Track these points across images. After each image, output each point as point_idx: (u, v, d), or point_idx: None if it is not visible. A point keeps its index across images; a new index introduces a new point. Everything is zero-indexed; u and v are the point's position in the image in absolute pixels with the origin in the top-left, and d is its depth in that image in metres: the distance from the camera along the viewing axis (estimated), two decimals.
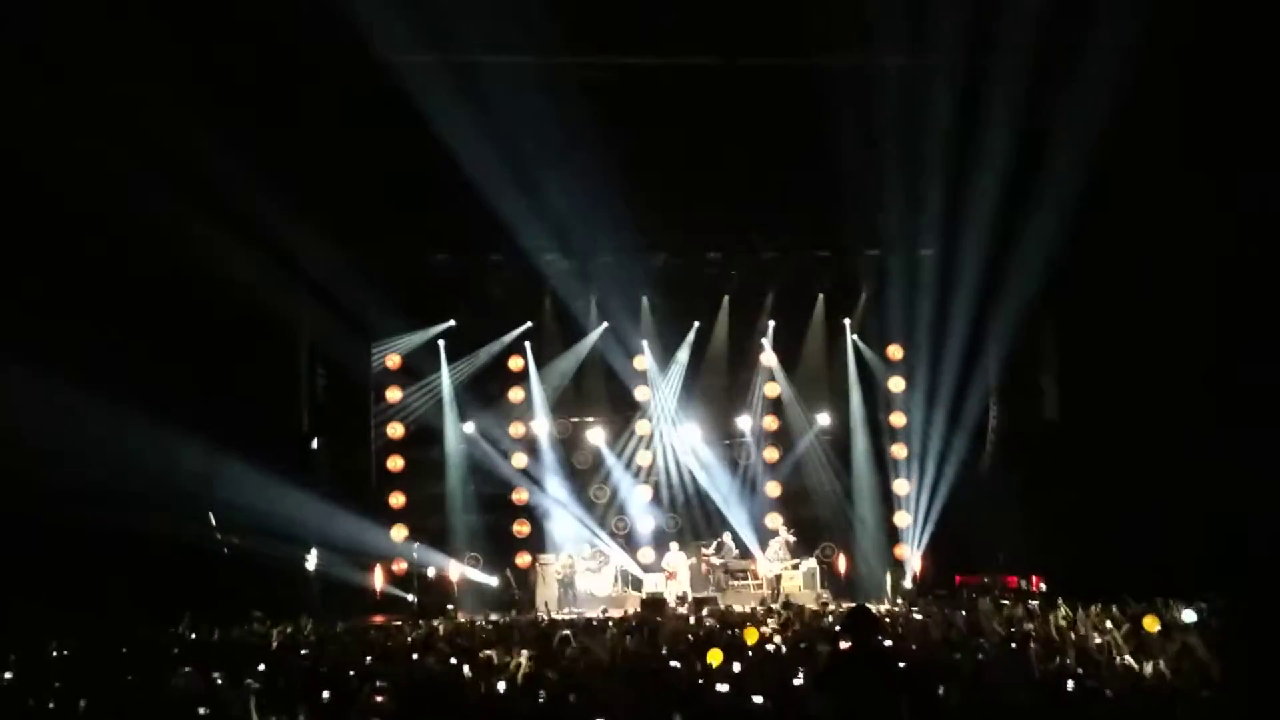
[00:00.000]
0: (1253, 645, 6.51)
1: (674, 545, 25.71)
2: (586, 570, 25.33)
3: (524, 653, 13.30)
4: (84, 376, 18.25)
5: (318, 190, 21.46)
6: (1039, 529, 22.76)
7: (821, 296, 27.51)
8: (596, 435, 27.57)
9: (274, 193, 20.01)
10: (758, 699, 10.49)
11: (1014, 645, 13.57)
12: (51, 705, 10.86)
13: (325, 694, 11.01)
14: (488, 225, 24.03)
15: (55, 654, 14.68)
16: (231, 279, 20.81)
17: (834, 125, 21.48)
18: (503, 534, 26.53)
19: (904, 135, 21.67)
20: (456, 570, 25.23)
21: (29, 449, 17.84)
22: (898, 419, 27.21)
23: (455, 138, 21.31)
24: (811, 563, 25.41)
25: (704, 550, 25.69)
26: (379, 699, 10.47)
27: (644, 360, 27.55)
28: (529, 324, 27.18)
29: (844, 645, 9.40)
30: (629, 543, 26.69)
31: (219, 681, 11.79)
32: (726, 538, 25.74)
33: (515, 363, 27.28)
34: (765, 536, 26.20)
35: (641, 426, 27.68)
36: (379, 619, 21.64)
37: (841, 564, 26.28)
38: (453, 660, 13.17)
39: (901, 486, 26.88)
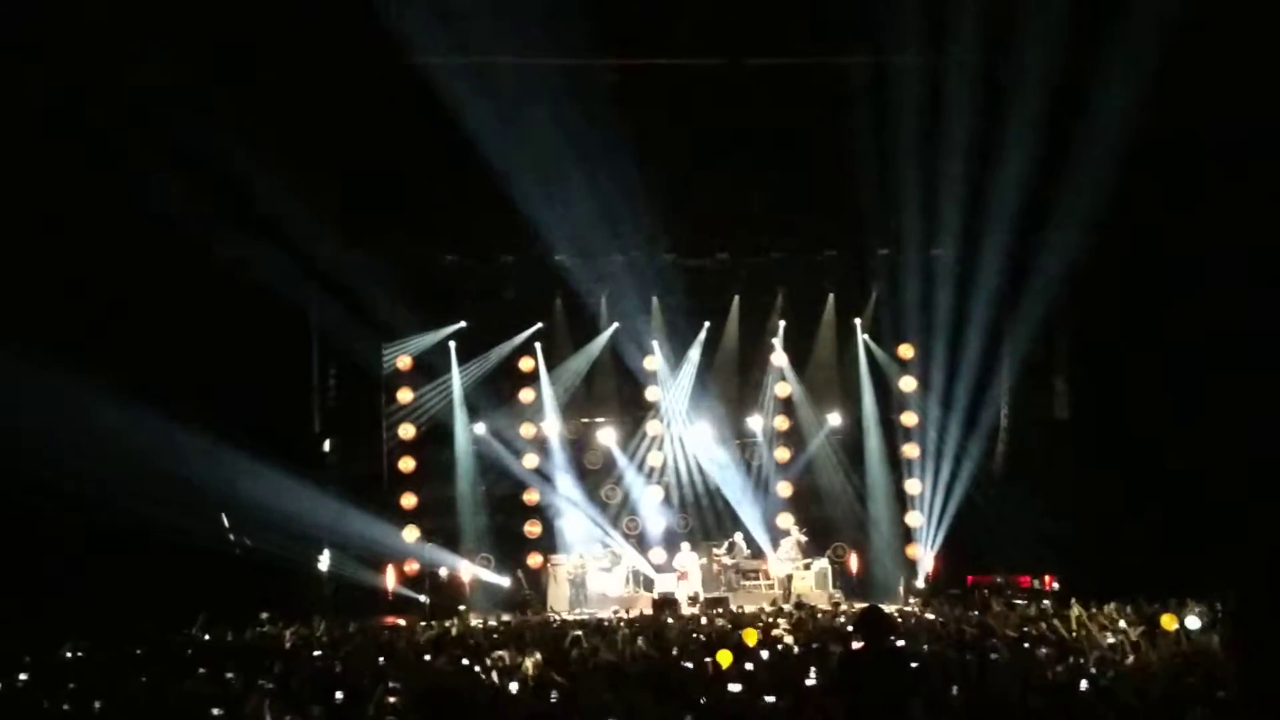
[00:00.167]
0: (1263, 643, 6.48)
1: (685, 545, 25.72)
2: (598, 571, 25.33)
3: (535, 653, 13.33)
4: (96, 377, 18.31)
5: (329, 190, 21.51)
6: (1051, 528, 22.72)
7: (832, 296, 27.49)
8: (607, 436, 27.57)
9: (285, 193, 20.05)
10: (770, 699, 10.49)
11: (1026, 646, 13.55)
12: (65, 707, 10.88)
13: (338, 695, 11.03)
14: (499, 226, 24.14)
15: (69, 655, 14.72)
16: (243, 279, 20.86)
17: (843, 125, 21.50)
18: (514, 535, 26.56)
19: (914, 134, 21.63)
20: (468, 571, 25.28)
21: (43, 450, 17.90)
22: (909, 418, 27.17)
23: (467, 139, 21.35)
24: (823, 563, 25.40)
25: (715, 550, 25.69)
26: (391, 700, 10.48)
27: (655, 360, 27.56)
28: (540, 324, 27.20)
29: (856, 645, 9.39)
30: (640, 543, 26.70)
31: (232, 682, 11.83)
32: (738, 538, 25.74)
33: (526, 363, 27.31)
34: (777, 536, 26.19)
35: (653, 427, 27.69)
36: (391, 620, 21.66)
37: (853, 564, 26.29)
38: (464, 661, 13.19)
39: (913, 486, 26.85)
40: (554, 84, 21.00)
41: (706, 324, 27.46)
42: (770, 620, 17.73)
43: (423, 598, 24.47)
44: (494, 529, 26.60)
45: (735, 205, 24.15)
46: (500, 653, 13.51)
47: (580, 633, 15.79)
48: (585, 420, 27.84)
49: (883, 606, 9.87)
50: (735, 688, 11.11)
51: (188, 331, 20.68)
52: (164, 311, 20.58)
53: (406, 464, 26.39)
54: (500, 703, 10.76)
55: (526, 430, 27.24)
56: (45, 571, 18.71)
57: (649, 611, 22.06)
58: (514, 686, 11.52)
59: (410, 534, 25.52)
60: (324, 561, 23.93)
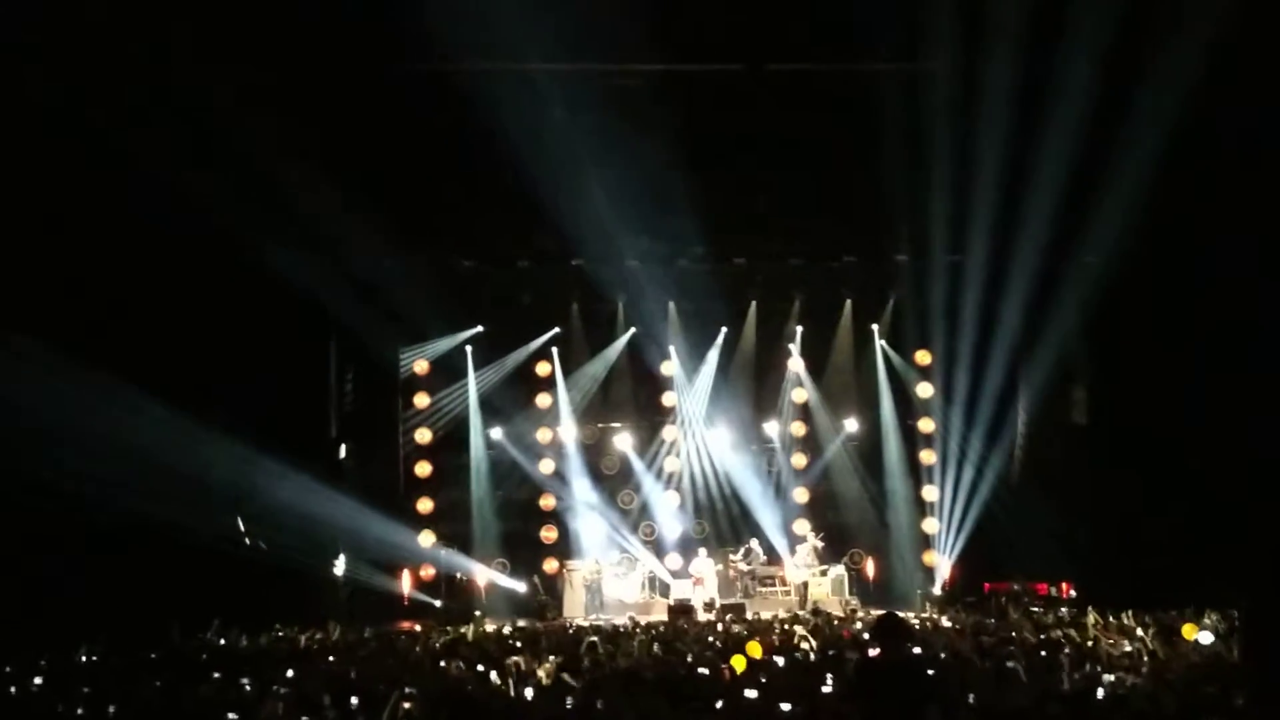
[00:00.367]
0: (1275, 648, 6.46)
1: (702, 551, 25.68)
2: (614, 576, 25.33)
3: (551, 659, 13.31)
4: (112, 377, 18.37)
5: (347, 196, 21.54)
6: (1069, 536, 22.64)
7: (849, 302, 27.44)
8: (624, 441, 27.57)
9: (303, 197, 20.09)
10: (785, 706, 10.44)
11: (1043, 653, 13.48)
12: (80, 711, 10.89)
13: (353, 700, 11.02)
14: (516, 231, 24.18)
15: (84, 659, 14.75)
16: (260, 282, 20.92)
17: (861, 131, 21.46)
18: (530, 540, 26.59)
19: (932, 140, 21.58)
20: (484, 576, 25.28)
21: (58, 452, 17.93)
22: (926, 425, 27.11)
23: (484, 144, 21.36)
24: (840, 569, 25.34)
25: (732, 556, 25.65)
26: (406, 705, 10.46)
27: (672, 366, 27.55)
28: (557, 329, 27.22)
29: (873, 652, 9.34)
30: (657, 549, 26.68)
31: (247, 688, 11.83)
32: (754, 544, 25.69)
33: (543, 368, 27.33)
34: (793, 542, 26.14)
35: (669, 432, 27.69)
36: (406, 625, 21.66)
37: (870, 570, 26.20)
38: (480, 667, 13.16)
39: (930, 493, 26.78)
40: (572, 89, 21.01)
41: (724, 329, 27.45)
42: (787, 628, 17.67)
43: (438, 603, 24.54)
44: (510, 534, 26.63)
45: (753, 210, 24.11)
46: (516, 658, 13.49)
47: (596, 638, 15.77)
48: (602, 425, 27.85)
49: (899, 613, 9.82)
50: (751, 694, 11.07)
51: (205, 336, 20.69)
52: (181, 316, 20.58)
53: (423, 469, 26.43)
54: (515, 708, 10.75)
55: (543, 435, 27.26)
56: (58, 575, 18.73)
57: (665, 617, 22.01)
58: (529, 692, 11.51)
59: (426, 539, 25.55)
60: (339, 566, 23.95)
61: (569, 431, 27.31)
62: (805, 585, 24.70)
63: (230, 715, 10.53)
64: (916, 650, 10.36)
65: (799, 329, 27.66)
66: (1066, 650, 13.76)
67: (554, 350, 27.31)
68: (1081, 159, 20.53)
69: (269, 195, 19.53)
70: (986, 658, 13.25)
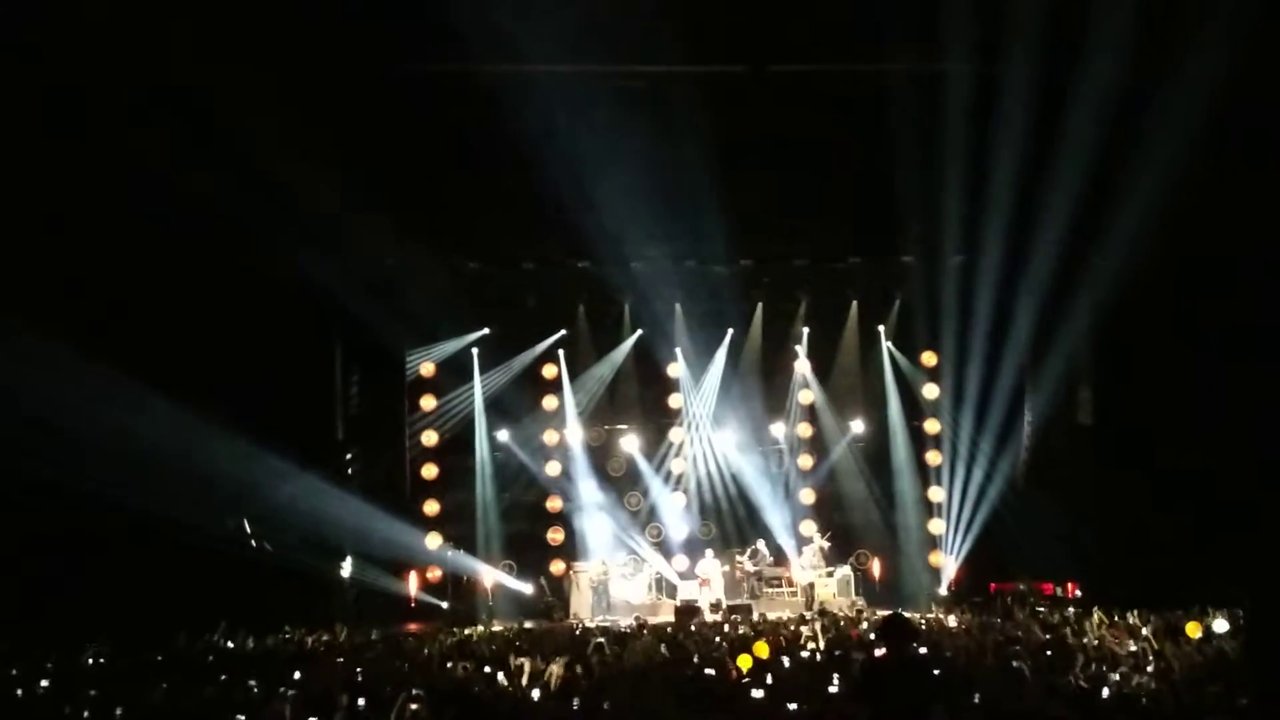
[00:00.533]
0: (1270, 647, 6.46)
1: (708, 552, 25.66)
2: (621, 577, 25.34)
3: (558, 660, 13.32)
4: (119, 377, 18.41)
5: (352, 197, 21.56)
6: (1075, 536, 22.64)
7: (855, 303, 27.45)
8: (631, 443, 27.57)
9: (307, 200, 20.11)
10: (792, 706, 10.46)
11: (1049, 653, 13.48)
12: (87, 713, 10.92)
13: (360, 701, 11.04)
14: (522, 233, 24.18)
15: (91, 662, 14.77)
16: (266, 284, 20.95)
17: (867, 132, 21.45)
18: (537, 541, 26.62)
19: (937, 141, 21.56)
20: (491, 577, 25.30)
21: (63, 453, 17.98)
22: (932, 426, 27.11)
23: (490, 147, 21.38)
24: (846, 570, 25.35)
25: (738, 557, 25.64)
26: (413, 706, 10.47)
27: (678, 367, 27.58)
28: (563, 332, 27.25)
29: (879, 652, 9.35)
30: (663, 550, 26.68)
31: (254, 689, 11.85)
32: (761, 545, 25.69)
33: (549, 370, 27.35)
34: (800, 543, 26.15)
35: (676, 434, 27.69)
36: (413, 626, 21.69)
37: (876, 571, 26.19)
38: (486, 668, 13.18)
39: (936, 493, 26.79)
40: (578, 90, 20.99)
41: (730, 331, 27.45)
42: (793, 629, 17.68)
43: (445, 604, 24.58)
44: (516, 536, 26.66)
45: (758, 212, 24.09)
46: (522, 659, 13.51)
47: (603, 639, 15.80)
48: (608, 427, 27.85)
49: (905, 614, 9.83)
50: (758, 694, 11.09)
51: (211, 337, 20.73)
52: (187, 317, 20.62)
53: (429, 471, 26.45)
54: (522, 709, 10.77)
55: (550, 437, 27.28)
56: (64, 576, 18.78)
57: (671, 618, 22.03)
58: (536, 693, 11.53)
59: (433, 540, 25.54)
60: (346, 568, 23.98)
61: (575, 433, 27.33)
62: (812, 586, 24.69)
63: (237, 717, 10.57)
64: (922, 650, 10.39)
65: (805, 330, 27.67)
66: (1072, 650, 13.77)
67: (560, 352, 27.33)
68: (1088, 159, 20.50)
69: (274, 196, 19.52)
70: (992, 657, 13.27)
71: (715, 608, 23.09)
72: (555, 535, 26.74)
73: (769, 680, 11.86)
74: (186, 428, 19.26)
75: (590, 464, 27.32)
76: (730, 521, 27.10)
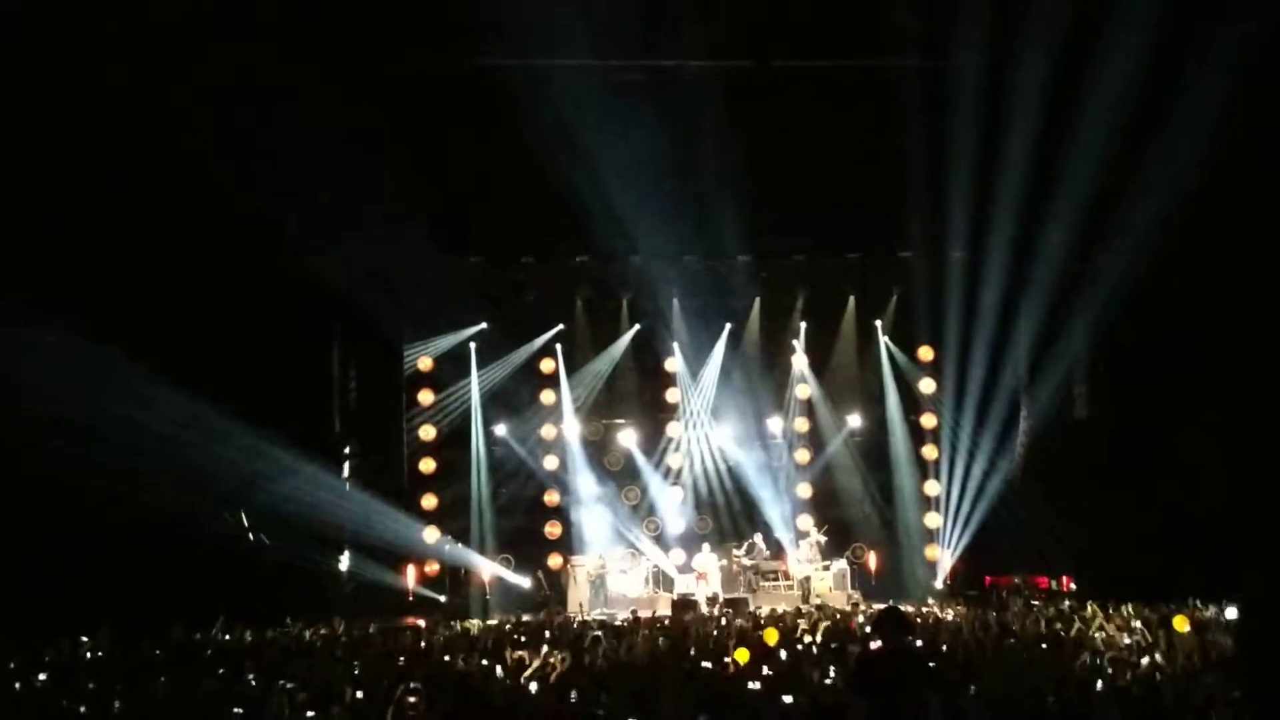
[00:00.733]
0: (1268, 641, 6.51)
1: (705, 546, 25.73)
2: (618, 571, 25.35)
3: (555, 654, 13.36)
4: (116, 372, 18.43)
5: (351, 191, 21.58)
6: (1069, 529, 22.70)
7: (852, 299, 27.48)
8: (628, 437, 27.60)
9: (305, 193, 20.12)
10: (788, 698, 10.51)
11: (1044, 646, 13.54)
12: (85, 707, 10.95)
13: (358, 695, 11.08)
14: (519, 228, 24.17)
15: (89, 656, 14.80)
16: (265, 280, 20.98)
17: (864, 127, 21.49)
18: (534, 535, 26.63)
19: (934, 136, 21.58)
20: (488, 571, 25.33)
21: (62, 445, 18.00)
22: (929, 420, 27.16)
23: (489, 141, 21.38)
24: (842, 563, 25.38)
25: (735, 551, 25.67)
26: (411, 700, 10.52)
27: (675, 362, 27.61)
28: (561, 326, 27.26)
29: (875, 645, 9.40)
30: (660, 544, 26.71)
31: (252, 683, 11.89)
32: (757, 539, 25.73)
33: (547, 365, 27.36)
34: (796, 537, 26.19)
35: (673, 428, 27.72)
36: (411, 620, 21.70)
37: (872, 564, 26.24)
38: (484, 661, 13.22)
39: (932, 487, 26.85)
40: (576, 85, 20.99)
41: (728, 326, 27.47)
42: (790, 624, 17.72)
43: (443, 598, 24.60)
44: (514, 530, 26.67)
45: (756, 207, 24.09)
46: (520, 653, 13.55)
47: (600, 633, 15.85)
48: (606, 422, 27.88)
49: (901, 607, 9.87)
50: (754, 686, 11.14)
51: (208, 332, 20.72)
52: (185, 312, 20.61)
53: (427, 465, 26.46)
54: (520, 703, 10.80)
55: (547, 432, 27.31)
56: (62, 570, 18.80)
57: (668, 612, 22.07)
58: (533, 686, 11.57)
59: (430, 534, 25.55)
60: (344, 562, 24.01)
61: (573, 428, 27.36)
62: (808, 580, 24.73)
63: (235, 710, 10.60)
64: (918, 643, 10.43)
65: (803, 325, 27.70)
66: (1067, 643, 13.84)
67: (558, 347, 27.33)
68: (1087, 155, 20.54)
69: (272, 189, 19.51)
70: (987, 650, 13.32)
71: (712, 601, 23.14)
72: (553, 529, 26.76)
73: (765, 672, 11.91)
74: (184, 421, 19.30)
75: (588, 458, 27.35)
76: (727, 516, 27.14)
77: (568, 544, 26.47)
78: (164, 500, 18.73)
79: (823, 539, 25.65)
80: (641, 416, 27.89)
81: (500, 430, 27.04)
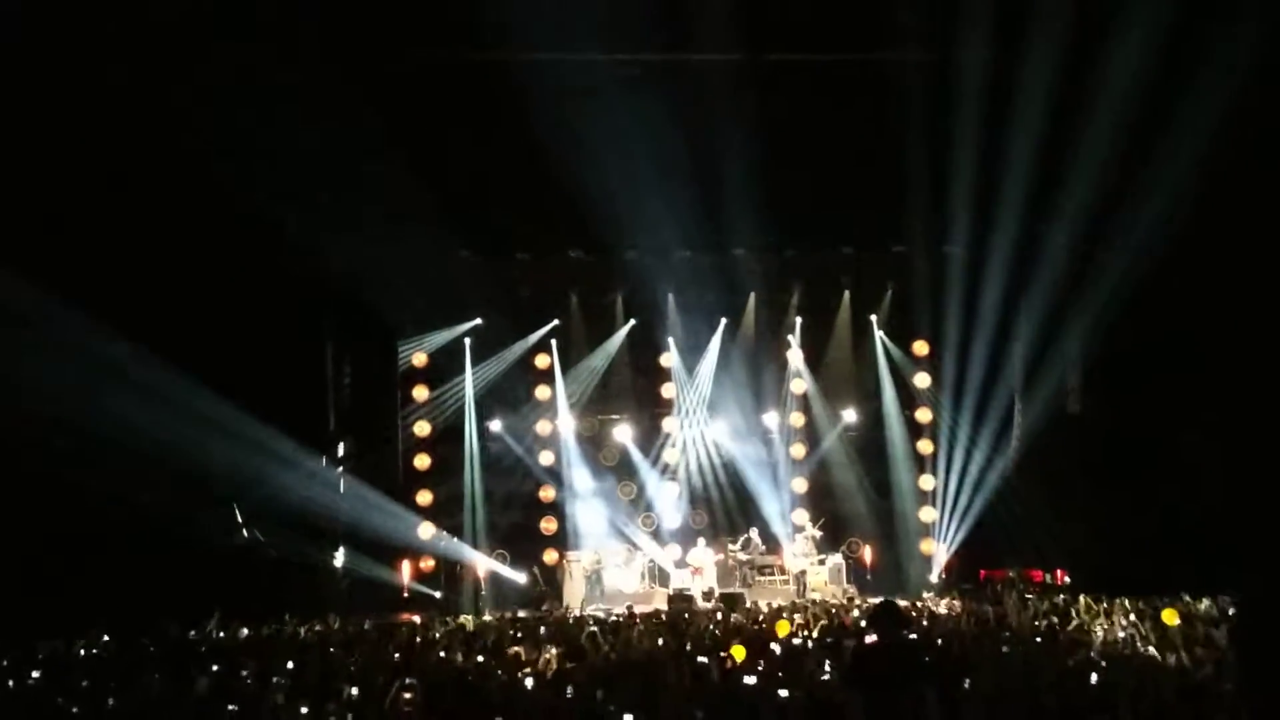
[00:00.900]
0: (1259, 637, 6.51)
1: (701, 541, 25.75)
2: (614, 566, 25.37)
3: (551, 649, 13.37)
4: (111, 373, 18.41)
5: (344, 186, 21.54)
6: (1063, 523, 22.74)
7: (847, 293, 27.49)
8: (623, 432, 27.61)
9: (298, 190, 20.08)
10: (783, 692, 10.51)
11: (1039, 639, 13.56)
12: (80, 704, 10.93)
13: (353, 690, 11.07)
14: (514, 223, 24.15)
15: (83, 653, 14.78)
16: (258, 277, 20.94)
17: (860, 121, 21.46)
18: (530, 531, 26.64)
19: (928, 131, 21.55)
20: (484, 567, 25.34)
21: (61, 448, 17.99)
22: (924, 415, 27.18)
23: (483, 137, 21.35)
24: (837, 558, 25.45)
25: (730, 546, 25.70)
26: (406, 695, 10.51)
27: (671, 357, 27.61)
28: (556, 322, 27.25)
29: (870, 639, 9.40)
30: (656, 539, 26.72)
31: (247, 680, 11.87)
32: (753, 533, 25.76)
33: (542, 361, 27.36)
34: (792, 532, 26.22)
35: (668, 423, 27.72)
36: (406, 616, 21.71)
37: (868, 559, 26.27)
38: (480, 657, 13.22)
39: (927, 482, 26.87)
40: (569, 78, 20.95)
41: (723, 320, 27.48)
42: (787, 617, 17.74)
43: (438, 594, 24.62)
44: (510, 525, 26.67)
45: (751, 202, 24.05)
46: (516, 649, 13.55)
47: (596, 628, 15.85)
48: (601, 417, 27.87)
49: (897, 601, 9.88)
50: (750, 680, 11.13)
51: (203, 331, 20.69)
52: (179, 309, 20.57)
53: (422, 461, 26.45)
54: (516, 698, 10.79)
55: (543, 427, 27.31)
56: (57, 567, 18.79)
57: (664, 607, 22.08)
58: (529, 682, 11.56)
59: (426, 530, 25.54)
60: (339, 558, 24.00)
61: (568, 423, 27.36)
62: (804, 574, 24.77)
63: (230, 707, 10.58)
64: (913, 637, 10.44)
65: (798, 320, 27.70)
66: (1061, 636, 13.85)
67: (553, 343, 27.34)
68: (1081, 150, 20.54)
69: (266, 186, 19.46)
70: (982, 643, 13.33)
71: (707, 596, 23.15)
72: (548, 525, 26.78)
73: (761, 666, 11.91)
74: (179, 418, 19.26)
75: (583, 454, 27.37)
76: (722, 511, 27.18)
77: (563, 539, 26.50)
78: (159, 497, 18.72)
79: (818, 534, 25.71)
80: (637, 412, 27.89)
81: (496, 426, 27.03)
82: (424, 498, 26.09)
